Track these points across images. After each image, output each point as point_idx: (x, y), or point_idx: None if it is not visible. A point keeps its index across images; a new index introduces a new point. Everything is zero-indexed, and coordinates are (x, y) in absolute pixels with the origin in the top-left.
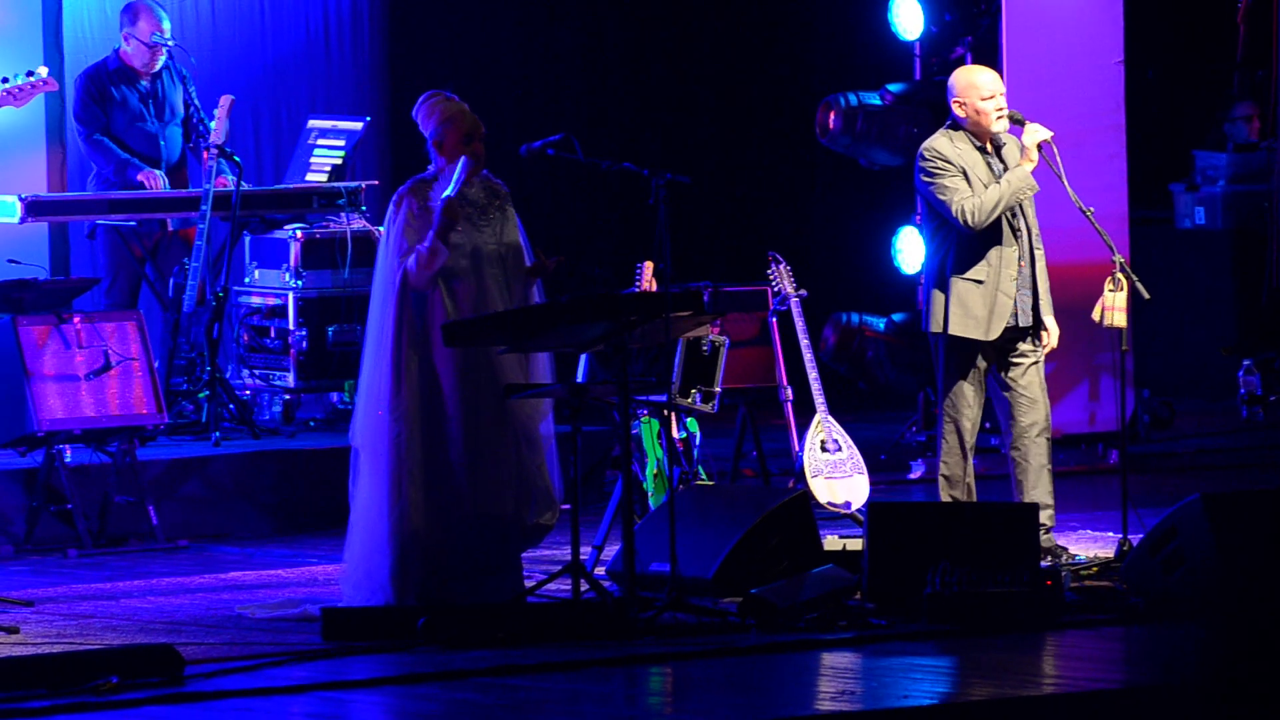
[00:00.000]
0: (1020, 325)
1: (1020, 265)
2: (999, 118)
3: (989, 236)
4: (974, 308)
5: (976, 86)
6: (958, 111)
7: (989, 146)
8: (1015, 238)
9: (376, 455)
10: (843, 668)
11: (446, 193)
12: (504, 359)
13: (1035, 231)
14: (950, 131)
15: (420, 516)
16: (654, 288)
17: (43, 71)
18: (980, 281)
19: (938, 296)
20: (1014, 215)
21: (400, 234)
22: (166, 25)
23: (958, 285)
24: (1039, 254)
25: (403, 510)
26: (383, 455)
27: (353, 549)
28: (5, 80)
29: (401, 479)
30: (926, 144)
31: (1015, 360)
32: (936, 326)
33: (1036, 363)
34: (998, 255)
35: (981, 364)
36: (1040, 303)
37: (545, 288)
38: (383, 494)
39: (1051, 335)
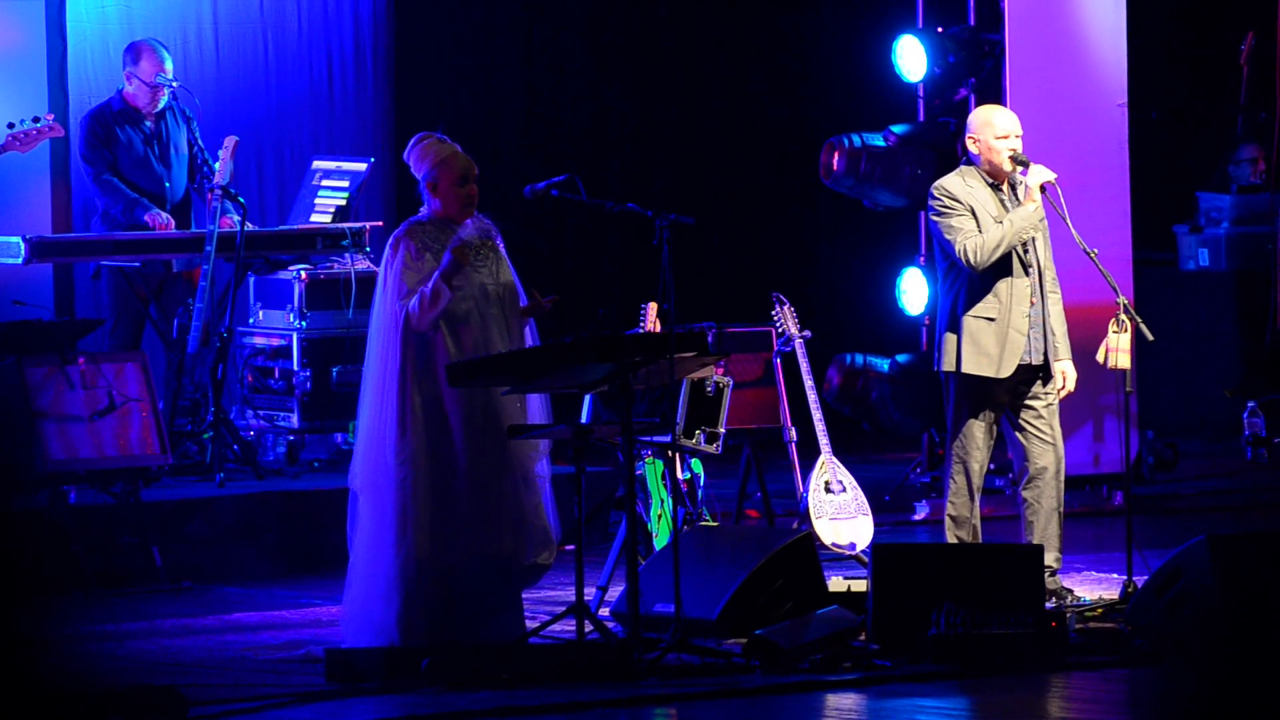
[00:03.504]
0: (1033, 364)
1: (1032, 301)
2: (1008, 158)
3: (999, 273)
4: (986, 345)
5: (992, 125)
6: (971, 148)
7: (1005, 186)
8: (1026, 273)
9: (379, 498)
10: (847, 709)
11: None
12: (504, 400)
13: (1051, 273)
14: (964, 169)
15: (426, 557)
16: (658, 328)
17: (49, 117)
18: (992, 319)
19: (950, 335)
20: (1025, 250)
21: (399, 277)
22: (169, 65)
23: (969, 323)
24: (1055, 295)
25: (408, 552)
26: (386, 498)
27: (353, 592)
28: (12, 125)
29: (407, 521)
30: (938, 182)
31: (1029, 402)
32: (949, 365)
33: (1050, 404)
34: (1008, 291)
35: (994, 405)
36: (1057, 344)
37: (547, 328)
38: (386, 536)
39: (1068, 379)
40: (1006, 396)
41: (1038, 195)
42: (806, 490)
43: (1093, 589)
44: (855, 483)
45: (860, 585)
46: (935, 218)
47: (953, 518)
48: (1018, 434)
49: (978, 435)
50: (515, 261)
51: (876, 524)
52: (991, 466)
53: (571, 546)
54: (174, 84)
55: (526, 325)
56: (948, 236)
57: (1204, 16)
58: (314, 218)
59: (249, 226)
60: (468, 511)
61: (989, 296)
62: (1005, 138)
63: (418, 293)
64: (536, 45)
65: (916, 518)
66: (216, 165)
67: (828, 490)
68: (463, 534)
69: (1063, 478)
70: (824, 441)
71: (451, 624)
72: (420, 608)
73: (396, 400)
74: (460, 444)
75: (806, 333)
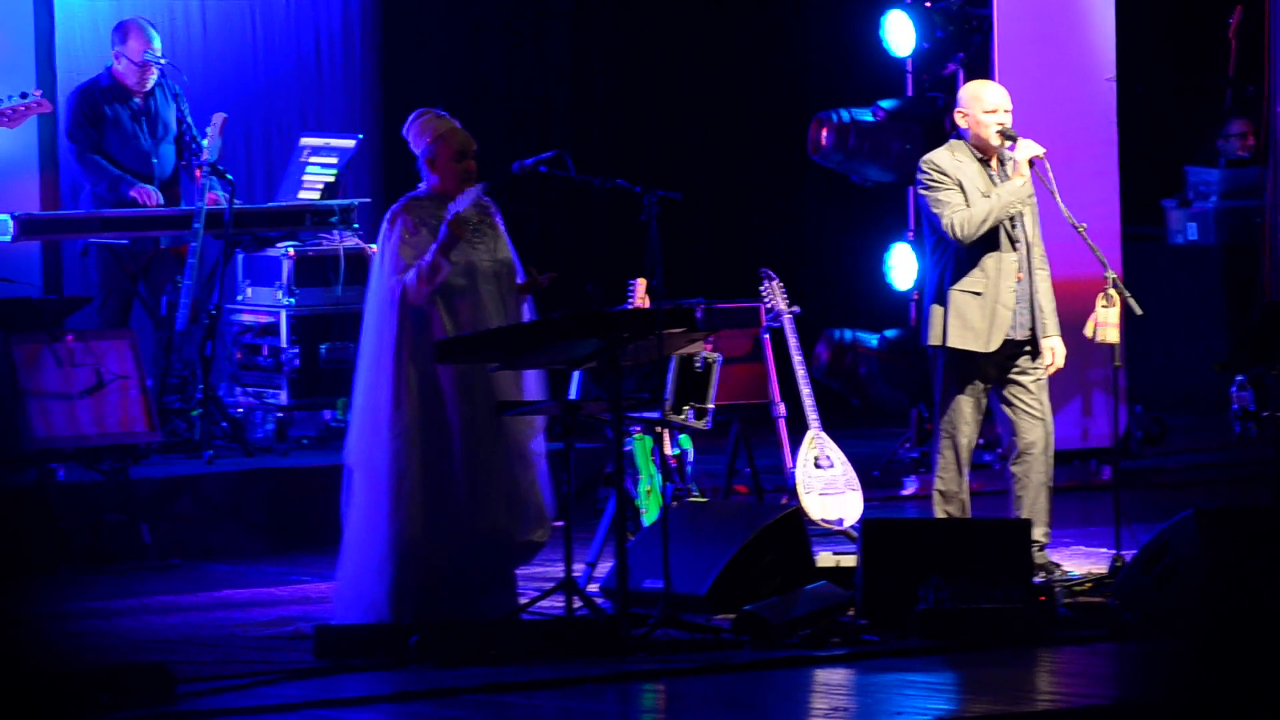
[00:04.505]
0: (1018, 339)
1: (1019, 276)
2: (996, 133)
3: (986, 247)
4: (973, 320)
5: (980, 99)
6: (960, 122)
7: (994, 161)
8: (1014, 247)
9: (374, 473)
10: (836, 684)
11: (457, 210)
12: (499, 375)
13: (1040, 250)
14: (953, 143)
15: (419, 533)
16: (646, 304)
17: (36, 93)
18: (978, 293)
19: (936, 309)
20: (1013, 226)
21: (396, 252)
22: (158, 43)
23: (956, 297)
24: (1043, 273)
25: (401, 527)
26: (381, 472)
27: (346, 568)
28: None
29: (400, 495)
30: (926, 156)
31: (1018, 378)
32: (935, 339)
33: (1039, 379)
34: (995, 266)
35: (982, 380)
36: (1045, 321)
37: (538, 304)
38: (380, 511)
39: (1057, 356)
40: (995, 371)
41: (1026, 170)
42: (795, 465)
43: (1081, 564)
44: (844, 458)
45: (849, 560)
46: (923, 191)
47: (941, 492)
48: (1006, 409)
49: (965, 410)
50: None
51: (865, 499)
52: (980, 441)
53: (559, 523)
54: (162, 61)
55: (524, 302)
56: (935, 210)
57: None
58: (302, 194)
59: (237, 203)
60: (462, 487)
61: (976, 271)
62: (994, 112)
63: (415, 266)
64: (523, 21)
65: (905, 493)
66: (205, 142)
67: (816, 465)
68: (457, 509)
69: (1051, 453)
70: (812, 417)
71: (444, 600)
72: (413, 583)
73: (391, 374)
74: (455, 419)
75: (795, 308)
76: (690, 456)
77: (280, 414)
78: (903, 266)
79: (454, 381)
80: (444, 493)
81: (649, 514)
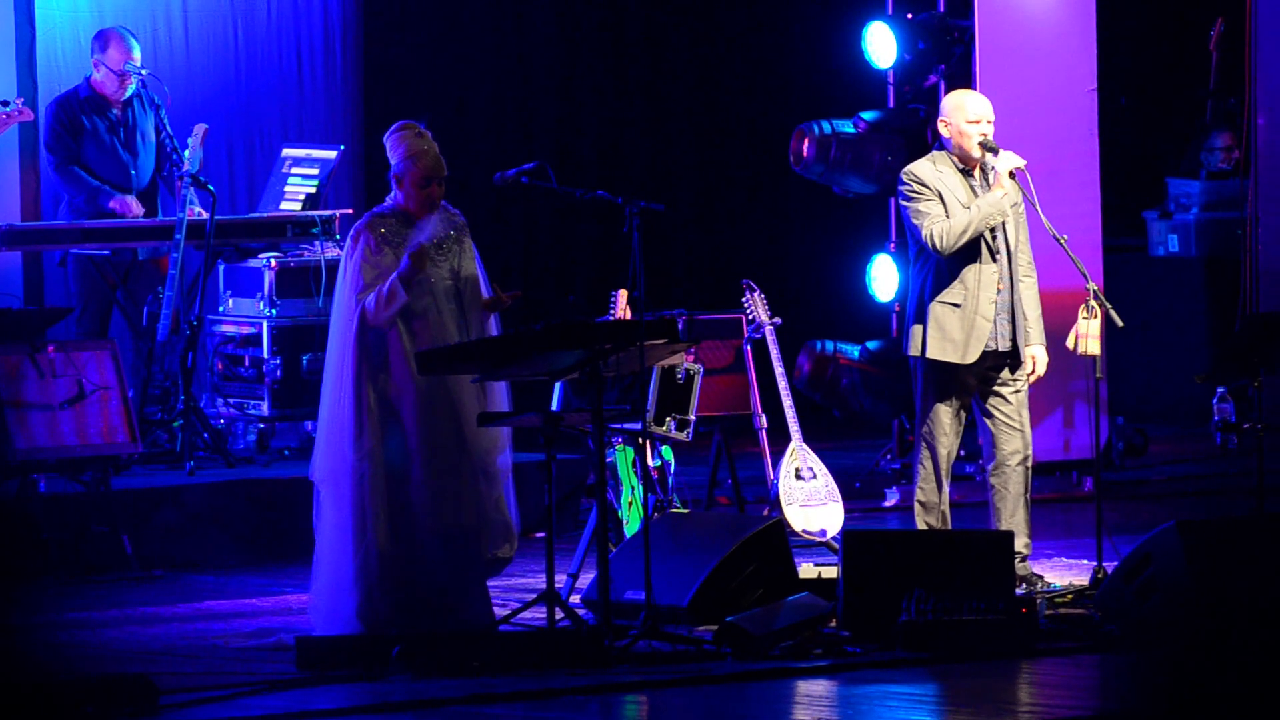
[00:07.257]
0: (998, 350)
1: (999, 288)
2: (978, 144)
3: (966, 259)
4: (951, 331)
5: (963, 109)
6: (943, 131)
7: (976, 172)
8: (994, 259)
9: (340, 492)
10: (818, 696)
11: (420, 241)
12: (464, 391)
13: (1026, 258)
14: (935, 154)
15: (386, 552)
16: (628, 315)
17: (18, 101)
18: (957, 305)
19: (917, 320)
20: (993, 237)
21: (358, 271)
22: (138, 53)
23: (936, 309)
24: (1029, 280)
25: (368, 547)
26: (345, 493)
27: (319, 583)
28: None
29: (366, 516)
30: (908, 167)
31: (998, 389)
32: (915, 350)
33: (1019, 391)
34: (975, 278)
35: (962, 391)
36: (1029, 330)
37: (518, 315)
38: (347, 530)
39: (1038, 364)
40: (975, 382)
41: (1007, 181)
42: (777, 477)
43: (1063, 575)
44: (825, 469)
45: (831, 572)
46: (904, 203)
47: (921, 503)
48: (986, 420)
49: (945, 421)
50: (485, 248)
51: (847, 511)
52: (962, 453)
53: (540, 534)
54: (142, 72)
55: (490, 318)
56: (915, 221)
57: (1173, 2)
58: (284, 205)
59: (218, 215)
60: (425, 505)
61: (955, 283)
62: (976, 122)
63: (374, 290)
64: (506, 32)
65: (887, 504)
66: (186, 153)
67: (798, 477)
68: (422, 527)
69: (1030, 464)
70: (794, 428)
71: (418, 615)
72: (384, 600)
73: (352, 396)
74: (414, 438)
75: (777, 319)
76: (672, 468)
77: (262, 425)
78: (884, 278)
79: (414, 400)
80: (407, 512)
81: (631, 525)
